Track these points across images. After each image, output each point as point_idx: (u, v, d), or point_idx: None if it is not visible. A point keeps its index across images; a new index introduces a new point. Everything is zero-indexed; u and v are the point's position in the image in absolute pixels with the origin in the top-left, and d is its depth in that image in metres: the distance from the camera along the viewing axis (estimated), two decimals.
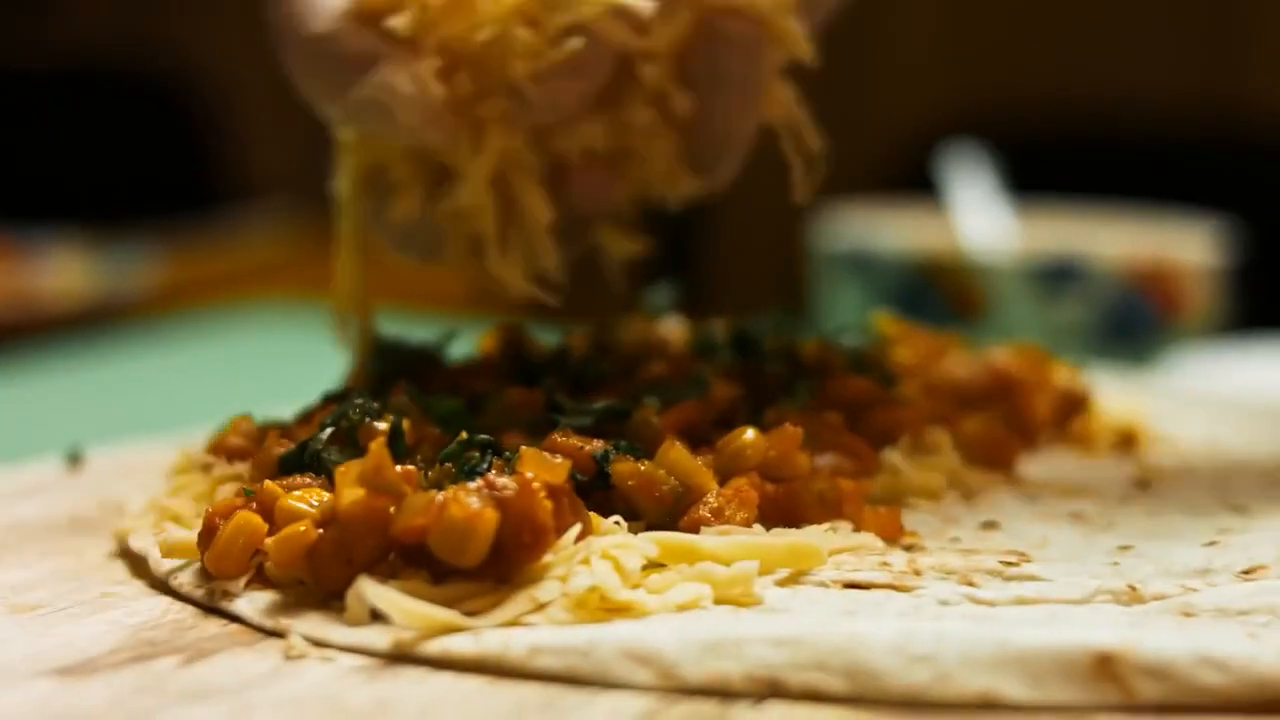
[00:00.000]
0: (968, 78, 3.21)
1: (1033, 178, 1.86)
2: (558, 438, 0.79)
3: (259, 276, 2.52)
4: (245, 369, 1.71)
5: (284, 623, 0.71)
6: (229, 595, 0.74)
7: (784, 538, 0.75)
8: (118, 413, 1.49)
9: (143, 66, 3.75)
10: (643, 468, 0.78)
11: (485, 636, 0.67)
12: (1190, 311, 1.61)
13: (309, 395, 0.90)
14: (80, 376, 1.63)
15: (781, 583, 0.73)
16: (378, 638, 0.68)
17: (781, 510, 0.79)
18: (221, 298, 2.23)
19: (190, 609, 0.75)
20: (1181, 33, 3.13)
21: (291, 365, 1.70)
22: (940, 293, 1.60)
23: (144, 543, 0.81)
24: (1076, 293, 1.57)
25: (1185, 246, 1.64)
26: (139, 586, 0.78)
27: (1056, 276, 1.57)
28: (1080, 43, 3.18)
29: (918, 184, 1.95)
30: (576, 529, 0.72)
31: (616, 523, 0.75)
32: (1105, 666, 0.63)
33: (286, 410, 0.91)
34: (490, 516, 0.69)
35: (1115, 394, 1.08)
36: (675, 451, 0.78)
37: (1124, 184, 2.04)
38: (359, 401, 0.82)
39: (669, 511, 0.77)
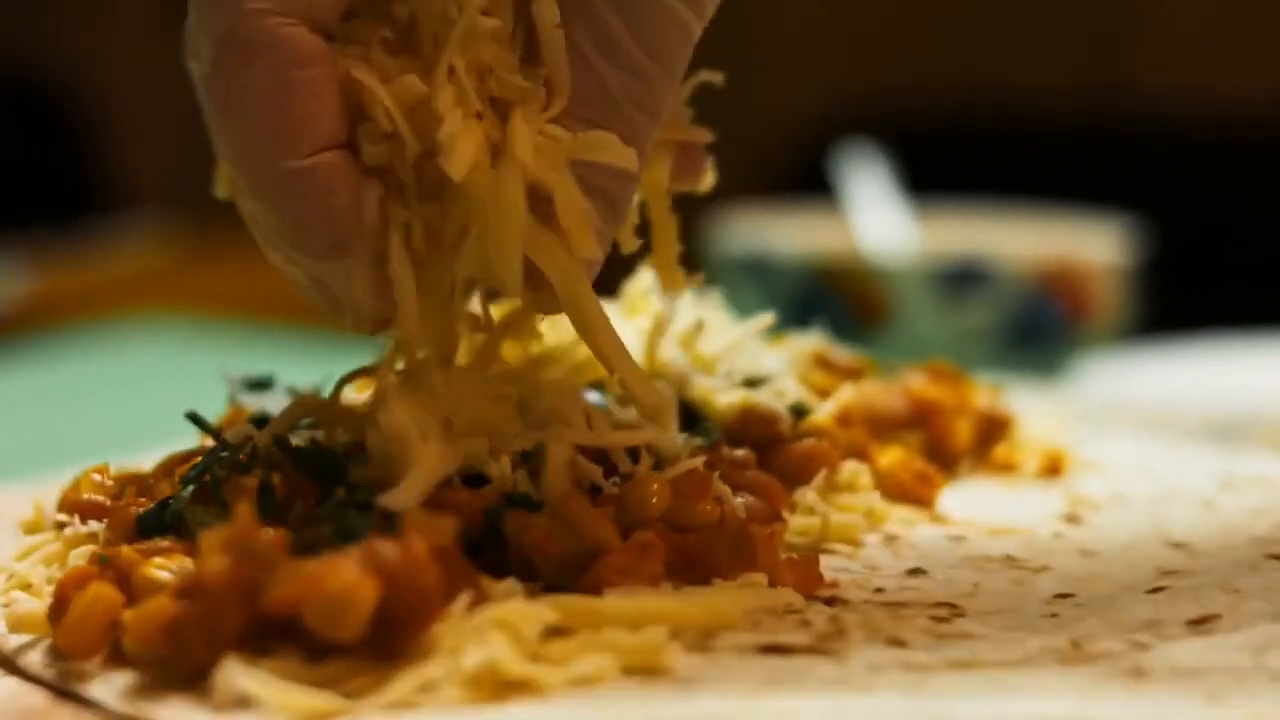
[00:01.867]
0: (858, 74, 3.16)
1: (927, 176, 1.81)
2: (444, 489, 0.72)
3: (132, 287, 2.43)
4: (121, 384, 1.65)
5: (145, 708, 0.63)
6: (84, 676, 0.66)
7: (695, 598, 0.69)
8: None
9: (7, 73, 3.64)
10: (539, 522, 0.71)
11: None
12: (1099, 314, 1.56)
13: (186, 409, 0.82)
14: None
15: (693, 648, 0.67)
16: None
17: (689, 563, 0.73)
18: (94, 311, 2.15)
19: (42, 691, 0.67)
20: (1075, 25, 3.10)
21: (168, 379, 1.63)
22: (841, 298, 1.54)
23: None
24: (982, 296, 1.52)
25: (1092, 245, 1.60)
26: None
27: (961, 279, 1.52)
28: (971, 36, 3.14)
29: (811, 185, 1.90)
30: (467, 596, 0.65)
31: (511, 585, 0.68)
32: None
33: (167, 431, 0.84)
34: (370, 587, 0.62)
35: (1036, 413, 1.02)
36: (573, 502, 0.72)
37: (1021, 181, 1.99)
38: (223, 454, 0.75)
39: (569, 570, 0.70)
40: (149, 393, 1.59)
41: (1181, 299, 1.86)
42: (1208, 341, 1.57)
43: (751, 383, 0.88)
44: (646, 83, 0.72)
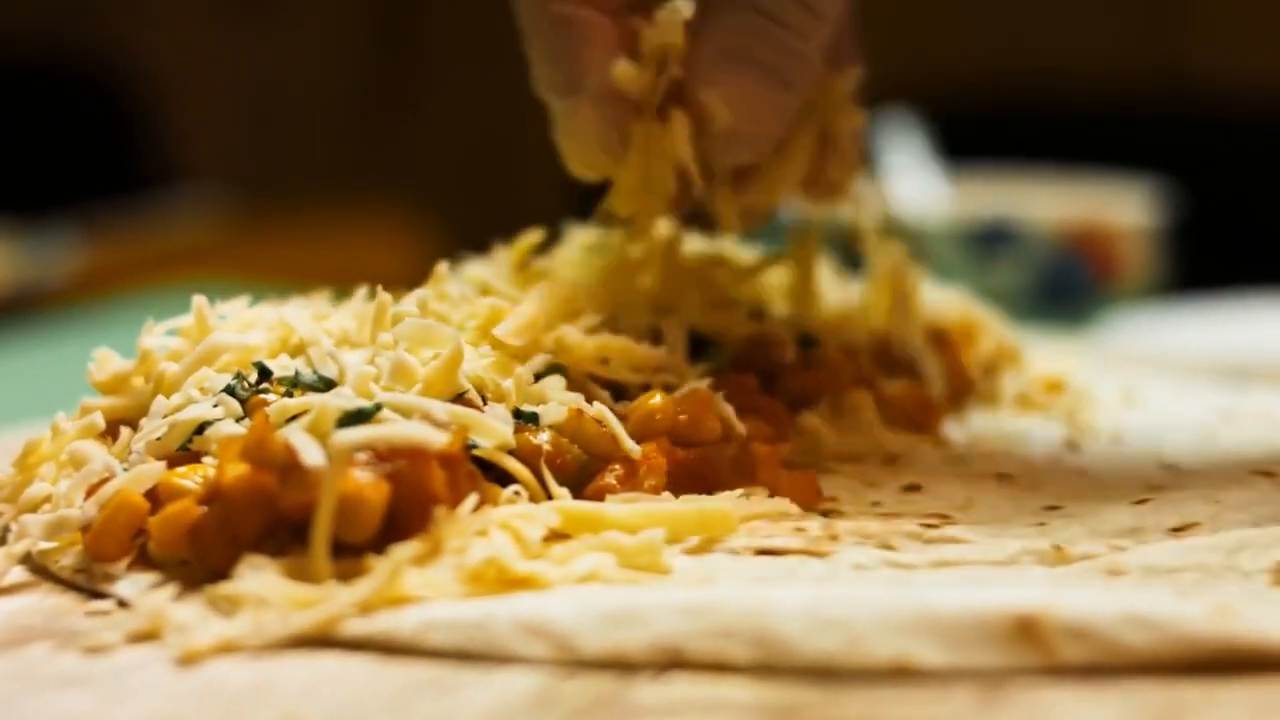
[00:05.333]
0: (899, 45, 3.17)
1: (964, 145, 1.83)
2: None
3: (185, 259, 2.46)
4: None
5: (164, 605, 0.66)
6: (110, 578, 0.70)
7: (693, 504, 0.72)
8: (45, 400, 1.44)
9: (63, 50, 3.68)
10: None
11: (374, 614, 0.63)
12: (1126, 273, 1.58)
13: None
14: (5, 365, 1.58)
15: (691, 551, 0.70)
16: (262, 619, 0.64)
17: (694, 477, 0.76)
18: (147, 282, 2.18)
19: (71, 594, 0.71)
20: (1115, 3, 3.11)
21: None
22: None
23: (21, 523, 0.76)
24: (1011, 255, 1.54)
25: (1120, 208, 1.61)
26: (17, 571, 0.74)
27: (990, 239, 1.54)
28: (1011, 9, 3.15)
29: None
30: (473, 499, 0.68)
31: (516, 493, 0.71)
32: (1025, 628, 0.59)
33: None
34: (381, 489, 0.66)
35: (1044, 353, 1.05)
36: (581, 418, 0.75)
37: (1056, 150, 2.01)
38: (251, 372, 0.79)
39: (573, 480, 0.73)
40: None
41: (1211, 261, 1.87)
42: (1232, 299, 1.59)
43: (760, 314, 0.91)
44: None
